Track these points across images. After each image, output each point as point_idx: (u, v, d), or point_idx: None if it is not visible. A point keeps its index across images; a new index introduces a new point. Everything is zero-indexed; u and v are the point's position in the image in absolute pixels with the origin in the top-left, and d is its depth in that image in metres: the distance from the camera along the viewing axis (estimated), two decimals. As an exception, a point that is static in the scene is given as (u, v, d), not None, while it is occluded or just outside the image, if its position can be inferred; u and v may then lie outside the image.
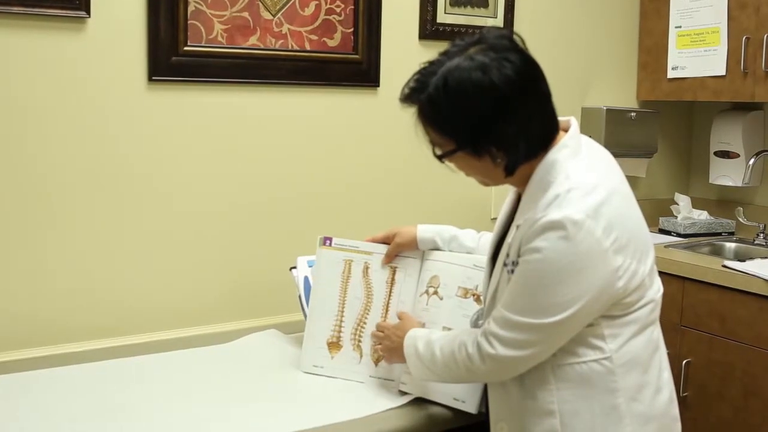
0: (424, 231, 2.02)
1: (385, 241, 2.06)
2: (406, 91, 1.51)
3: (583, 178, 1.46)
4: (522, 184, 1.55)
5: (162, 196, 2.32)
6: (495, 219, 2.04)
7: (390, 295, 2.03)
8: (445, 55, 1.48)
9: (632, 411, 1.50)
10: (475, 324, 1.82)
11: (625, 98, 3.34)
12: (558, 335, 1.46)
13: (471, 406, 1.81)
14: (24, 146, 2.11)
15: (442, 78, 1.44)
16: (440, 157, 1.52)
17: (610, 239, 1.42)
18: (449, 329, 1.88)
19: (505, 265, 1.53)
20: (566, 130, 1.55)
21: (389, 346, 1.86)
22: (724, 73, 3.01)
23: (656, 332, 1.58)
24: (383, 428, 1.74)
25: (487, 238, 1.97)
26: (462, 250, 2.00)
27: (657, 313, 1.57)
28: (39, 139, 2.13)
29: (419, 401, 1.85)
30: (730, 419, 2.67)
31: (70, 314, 2.20)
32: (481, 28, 2.82)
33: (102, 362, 2.09)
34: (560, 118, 1.56)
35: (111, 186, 2.24)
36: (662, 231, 3.30)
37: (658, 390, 1.54)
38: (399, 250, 2.04)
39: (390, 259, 2.05)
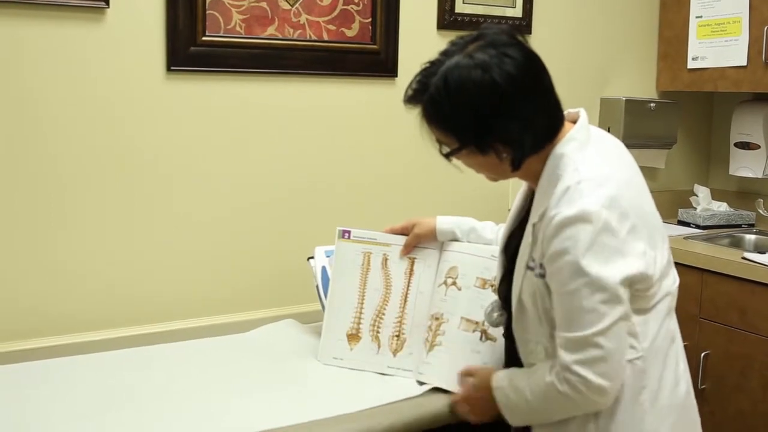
0: (443, 222, 2.02)
1: (404, 231, 2.06)
2: (409, 92, 1.51)
3: (593, 170, 1.45)
4: (531, 178, 1.55)
5: (179, 185, 2.33)
6: (512, 210, 2.04)
7: (409, 286, 2.03)
8: (445, 54, 1.48)
9: (655, 405, 1.49)
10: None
11: (645, 89, 3.32)
12: (623, 328, 1.43)
13: None
14: (40, 137, 2.12)
15: (442, 78, 1.44)
16: (447, 156, 1.52)
17: (626, 228, 1.41)
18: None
19: (530, 268, 1.51)
20: (575, 122, 1.54)
21: (478, 407, 1.70)
22: (745, 64, 2.99)
23: (672, 324, 1.57)
24: (402, 418, 1.74)
25: None
26: (481, 242, 2.00)
27: (673, 304, 1.57)
28: (55, 130, 2.14)
29: (439, 391, 1.84)
30: (749, 412, 2.66)
31: (86, 304, 2.22)
32: (500, 18, 2.82)
33: (117, 351, 2.10)
34: (569, 110, 1.55)
35: (128, 176, 2.25)
36: (681, 222, 3.28)
37: (677, 382, 1.54)
38: (418, 241, 2.04)
39: (409, 250, 2.05)
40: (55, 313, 2.17)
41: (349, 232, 2.07)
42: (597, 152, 1.51)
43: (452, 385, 1.83)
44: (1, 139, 2.07)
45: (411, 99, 1.51)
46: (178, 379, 1.91)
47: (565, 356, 1.43)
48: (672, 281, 1.55)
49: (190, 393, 1.83)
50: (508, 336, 1.69)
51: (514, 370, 1.62)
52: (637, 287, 1.44)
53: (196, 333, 2.24)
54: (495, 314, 1.74)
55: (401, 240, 2.06)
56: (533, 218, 1.51)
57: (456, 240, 2.02)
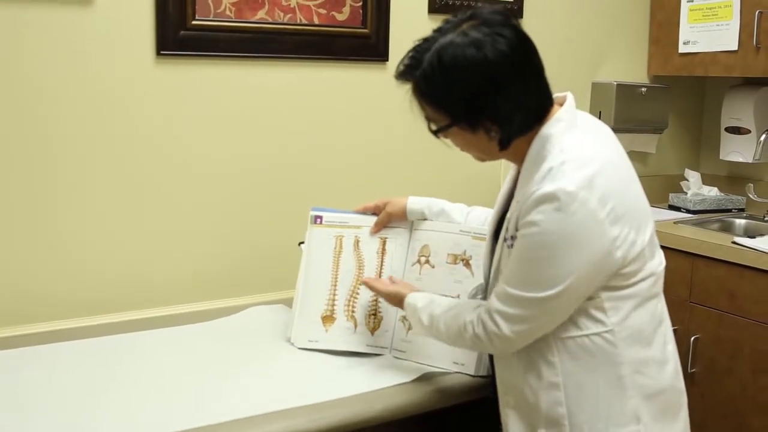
0: (414, 203, 2.04)
1: (376, 210, 2.07)
2: (401, 68, 1.52)
3: (578, 151, 1.46)
4: (518, 159, 1.56)
5: (170, 169, 2.32)
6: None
7: (382, 266, 2.04)
8: (439, 31, 1.50)
9: (637, 383, 1.50)
10: (474, 299, 1.82)
11: (636, 73, 3.32)
12: (560, 307, 1.47)
13: (470, 368, 1.86)
14: (31, 123, 2.11)
15: (436, 54, 1.45)
16: (436, 133, 1.54)
17: (606, 210, 1.42)
18: (444, 296, 1.90)
19: (504, 240, 1.55)
20: (562, 105, 1.55)
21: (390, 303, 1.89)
22: (736, 48, 2.99)
23: (660, 306, 1.58)
24: (392, 403, 1.74)
25: (477, 214, 2.02)
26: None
27: (659, 286, 1.57)
28: (46, 116, 2.13)
29: (429, 375, 1.85)
30: (738, 395, 2.68)
31: (75, 289, 2.22)
32: (491, 2, 2.81)
33: (105, 337, 2.08)
34: (557, 94, 1.57)
35: (119, 160, 2.24)
36: (672, 207, 3.28)
37: (663, 363, 1.55)
38: (389, 219, 2.05)
39: (379, 228, 2.06)
40: (44, 298, 2.17)
41: (321, 217, 2.06)
42: (583, 134, 1.53)
43: (435, 362, 1.89)
44: (-11, 124, 2.07)
45: (402, 74, 1.52)
46: (168, 364, 1.90)
47: (494, 302, 1.51)
48: (657, 263, 1.55)
49: (179, 377, 1.83)
50: None
51: (433, 297, 1.75)
52: (605, 269, 1.45)
53: (188, 318, 2.22)
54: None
55: (372, 221, 2.07)
56: (517, 196, 1.53)
57: (425, 220, 2.04)
